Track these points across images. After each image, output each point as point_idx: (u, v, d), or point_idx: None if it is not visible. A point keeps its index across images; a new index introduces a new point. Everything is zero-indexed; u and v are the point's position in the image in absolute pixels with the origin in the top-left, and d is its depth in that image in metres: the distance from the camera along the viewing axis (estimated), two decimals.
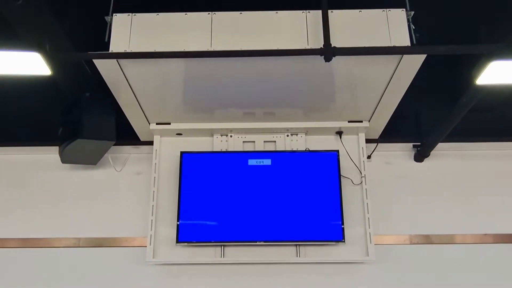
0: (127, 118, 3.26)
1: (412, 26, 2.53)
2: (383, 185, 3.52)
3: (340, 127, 3.37)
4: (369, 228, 3.20)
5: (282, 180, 3.27)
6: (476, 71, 2.25)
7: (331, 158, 3.30)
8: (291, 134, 3.41)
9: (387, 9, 2.55)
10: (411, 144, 3.59)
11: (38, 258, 3.41)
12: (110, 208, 3.51)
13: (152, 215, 3.28)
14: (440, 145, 3.46)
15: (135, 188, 3.55)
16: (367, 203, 3.26)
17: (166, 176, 3.42)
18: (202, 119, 3.31)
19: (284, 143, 3.40)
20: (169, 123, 3.34)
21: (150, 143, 3.53)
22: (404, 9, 2.54)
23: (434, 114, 3.43)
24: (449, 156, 3.60)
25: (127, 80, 2.76)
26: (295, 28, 2.53)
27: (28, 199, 3.56)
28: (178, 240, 3.17)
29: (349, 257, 3.18)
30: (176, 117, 3.28)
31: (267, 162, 3.30)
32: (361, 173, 3.35)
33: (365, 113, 3.22)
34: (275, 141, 3.42)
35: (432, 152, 3.54)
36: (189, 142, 3.48)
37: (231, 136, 3.40)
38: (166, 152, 3.46)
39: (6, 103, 3.47)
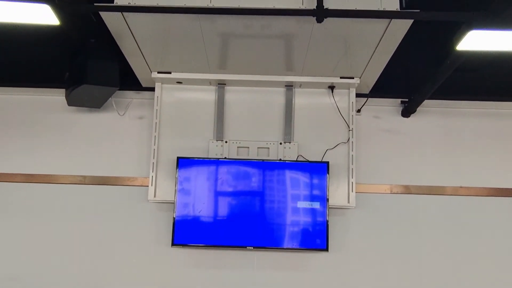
0: (130, 65, 3.43)
1: None
2: (370, 137, 3.75)
3: (332, 82, 3.54)
4: (352, 178, 3.47)
5: (273, 188, 3.42)
6: (456, 38, 2.41)
7: (321, 169, 3.44)
8: (284, 142, 3.55)
9: None
10: (399, 100, 3.79)
11: (43, 192, 3.68)
12: (113, 149, 3.75)
13: (153, 158, 3.53)
14: (426, 102, 3.64)
15: (137, 132, 3.78)
16: (352, 155, 3.50)
17: (167, 122, 3.63)
18: (200, 69, 3.48)
19: (277, 151, 3.54)
20: (170, 72, 3.51)
21: (152, 89, 3.71)
22: None
23: (422, 72, 3.59)
24: (434, 112, 3.80)
25: (130, 31, 2.90)
26: None
27: (35, 137, 3.78)
28: (174, 243, 3.38)
29: (332, 203, 3.46)
30: (177, 66, 3.45)
31: (259, 171, 3.44)
32: (349, 126, 3.57)
33: (357, 70, 3.38)
34: (268, 148, 3.56)
35: (418, 108, 3.74)
36: (189, 90, 3.66)
37: (226, 142, 3.55)
38: (167, 99, 3.66)
39: (16, 48, 3.60)
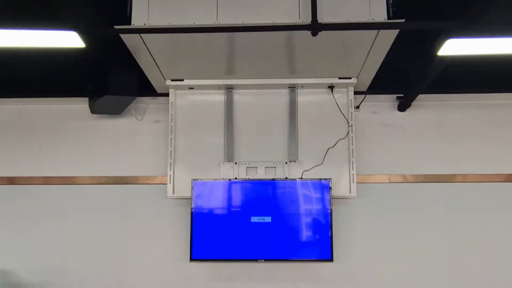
0: (146, 75, 3.75)
1: (390, 1, 2.93)
2: (369, 131, 4.05)
3: (331, 83, 3.84)
4: (353, 170, 3.78)
5: (280, 204, 3.71)
6: (437, 45, 2.69)
7: (325, 186, 3.70)
8: (290, 161, 3.83)
9: None
10: (395, 96, 4.07)
11: (70, 193, 4.05)
12: (133, 151, 4.10)
13: (170, 158, 3.87)
14: (420, 96, 3.91)
15: (154, 134, 4.11)
16: (352, 149, 3.80)
17: (181, 124, 3.96)
18: (210, 76, 3.79)
19: (283, 169, 3.84)
20: (182, 80, 3.83)
21: (166, 94, 4.04)
22: None
23: (416, 69, 3.84)
24: (428, 106, 4.07)
25: (146, 46, 3.22)
26: (289, 2, 2.94)
27: (60, 143, 4.14)
28: (192, 258, 3.67)
29: (335, 193, 3.77)
30: (188, 74, 3.76)
31: (269, 190, 3.73)
32: (348, 122, 3.87)
33: (353, 70, 3.67)
34: (275, 167, 3.85)
35: (413, 103, 4.02)
36: (200, 95, 3.99)
37: (235, 163, 3.84)
38: (181, 103, 3.98)
39: (42, 62, 3.95)
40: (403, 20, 2.78)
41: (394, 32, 2.94)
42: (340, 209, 3.86)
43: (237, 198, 3.75)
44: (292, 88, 3.93)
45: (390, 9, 2.92)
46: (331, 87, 3.90)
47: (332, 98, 3.92)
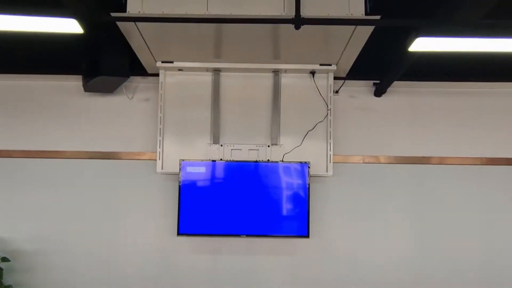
0: (138, 56, 3.94)
1: None
2: (347, 114, 4.34)
3: (313, 68, 4.09)
4: (330, 151, 4.08)
5: (263, 186, 3.99)
6: (408, 41, 2.95)
7: (303, 168, 4.00)
8: (272, 144, 4.10)
9: None
10: (372, 82, 4.35)
11: (63, 166, 4.27)
12: (124, 128, 4.32)
13: (159, 136, 4.11)
14: (395, 83, 4.19)
15: (144, 112, 4.33)
16: (330, 131, 4.09)
17: (170, 103, 4.18)
18: (199, 59, 4.00)
19: (265, 152, 4.11)
20: (172, 62, 4.04)
21: (156, 75, 4.24)
22: None
23: (392, 56, 4.09)
24: (402, 92, 4.36)
25: (139, 31, 3.41)
26: None
27: (53, 118, 4.33)
28: (179, 233, 3.95)
29: (313, 172, 4.07)
30: (178, 56, 3.97)
31: (251, 171, 4.00)
32: (327, 106, 4.14)
33: (333, 58, 3.92)
34: (258, 150, 4.12)
35: (388, 89, 4.30)
36: (189, 75, 4.20)
37: (221, 146, 4.10)
38: (170, 83, 4.19)
39: (37, 40, 4.07)
40: (378, 17, 3.02)
41: (371, 27, 3.19)
42: (317, 186, 4.18)
43: (222, 178, 4.03)
44: (276, 72, 4.17)
45: (368, 5, 3.16)
46: (313, 72, 4.16)
47: (313, 83, 4.18)
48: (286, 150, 4.12)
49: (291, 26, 2.97)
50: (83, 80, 3.95)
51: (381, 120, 4.35)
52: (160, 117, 4.14)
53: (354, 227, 4.23)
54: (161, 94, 4.17)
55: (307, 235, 3.98)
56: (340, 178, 4.23)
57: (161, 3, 3.16)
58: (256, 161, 4.05)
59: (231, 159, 4.09)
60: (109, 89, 4.16)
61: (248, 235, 4.01)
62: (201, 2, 3.15)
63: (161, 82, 4.17)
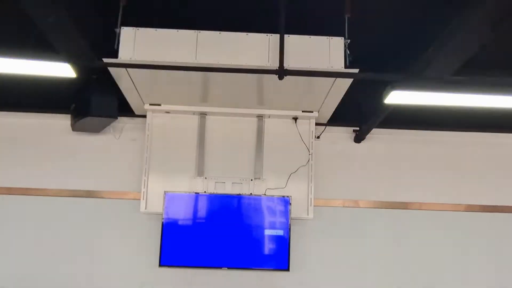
0: (126, 98, 4.07)
1: (347, 51, 3.37)
2: (328, 159, 4.48)
3: (295, 115, 4.26)
4: (311, 194, 4.19)
5: (245, 218, 4.09)
6: (384, 94, 3.14)
7: (285, 202, 4.11)
8: (255, 178, 4.23)
9: (330, 37, 3.38)
10: (352, 129, 4.53)
11: (47, 204, 4.30)
12: (109, 167, 4.39)
13: (144, 176, 4.19)
14: (374, 130, 4.38)
15: (130, 152, 4.42)
16: (311, 175, 4.22)
17: (156, 145, 4.28)
18: (186, 102, 4.15)
19: (249, 186, 4.23)
20: (160, 104, 4.17)
21: (143, 116, 4.35)
22: (343, 37, 3.37)
23: (371, 105, 4.29)
24: (380, 139, 4.55)
25: (129, 75, 3.56)
26: (260, 48, 3.34)
27: (39, 156, 4.40)
28: (161, 264, 4.00)
29: (294, 215, 4.17)
30: (165, 99, 4.11)
31: (234, 203, 4.12)
32: (309, 151, 4.28)
33: (315, 105, 4.10)
34: (241, 183, 4.25)
35: (367, 136, 4.49)
36: (175, 118, 4.32)
37: (205, 178, 4.22)
38: (157, 124, 4.31)
39: (28, 78, 4.20)
40: (357, 71, 3.22)
41: (349, 80, 3.38)
42: (297, 229, 4.26)
43: (205, 210, 4.10)
44: (260, 117, 4.33)
45: (347, 58, 3.36)
46: (295, 118, 4.32)
47: (295, 128, 4.33)
48: (268, 186, 4.22)
49: (275, 76, 3.14)
50: (71, 119, 4.05)
51: (361, 165, 4.50)
52: (146, 157, 4.23)
53: (334, 270, 4.29)
54: (148, 135, 4.27)
55: (287, 269, 4.02)
56: (321, 221, 4.32)
57: (151, 51, 3.32)
58: (239, 194, 4.13)
59: (215, 192, 4.18)
60: (97, 129, 4.26)
61: (229, 268, 4.05)
62: (190, 51, 3.32)
63: (148, 124, 4.28)
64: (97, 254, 4.24)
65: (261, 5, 3.30)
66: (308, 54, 3.35)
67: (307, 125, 4.35)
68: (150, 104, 4.17)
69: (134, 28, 3.35)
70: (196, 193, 4.13)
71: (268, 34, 3.37)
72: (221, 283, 4.22)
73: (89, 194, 4.34)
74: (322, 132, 4.47)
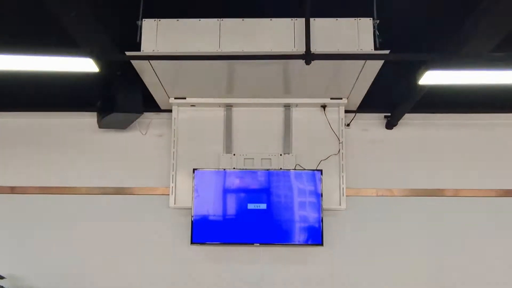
0: (151, 92, 4.02)
1: (377, 32, 3.22)
2: (359, 147, 4.33)
3: (324, 102, 4.13)
4: (343, 184, 4.05)
5: (276, 194, 4.00)
6: (418, 74, 2.98)
7: (316, 176, 3.99)
8: (284, 153, 4.14)
9: (358, 18, 3.23)
10: (383, 115, 4.37)
11: (79, 202, 4.30)
12: (137, 164, 4.35)
13: (172, 171, 4.14)
14: (406, 115, 4.21)
15: (157, 148, 4.37)
16: (342, 164, 4.09)
17: (183, 139, 4.23)
18: (211, 94, 4.07)
19: (278, 161, 4.14)
20: (185, 98, 4.11)
21: (169, 110, 4.31)
22: (372, 18, 3.23)
23: (402, 89, 4.12)
24: (413, 125, 4.36)
25: (153, 68, 3.50)
26: (285, 33, 3.23)
27: (68, 155, 4.39)
28: (192, 241, 3.95)
29: (325, 206, 4.04)
30: (191, 92, 4.04)
31: (264, 178, 4.03)
32: (339, 140, 4.15)
33: (344, 92, 3.96)
34: (270, 159, 4.16)
35: (400, 121, 4.31)
36: (201, 111, 4.26)
37: (234, 155, 4.15)
38: (183, 119, 4.25)
39: (54, 78, 4.20)
40: (387, 52, 3.07)
41: (380, 63, 3.23)
42: (330, 220, 4.13)
43: (235, 187, 4.03)
44: (287, 106, 4.22)
45: (377, 40, 3.21)
46: (324, 106, 4.19)
47: (324, 117, 4.21)
48: (298, 161, 4.14)
49: (302, 61, 3.03)
50: (97, 117, 4.03)
51: (394, 152, 4.33)
52: (173, 152, 4.18)
53: (369, 262, 4.15)
54: (174, 129, 4.22)
55: (321, 243, 3.92)
56: (353, 211, 4.19)
57: (174, 42, 3.25)
58: (268, 169, 4.05)
59: (244, 168, 4.13)
60: (123, 126, 4.23)
61: (261, 244, 3.99)
62: (213, 40, 3.24)
63: (174, 118, 4.23)
64: (127, 253, 4.22)
65: None
66: (336, 37, 3.21)
67: (336, 113, 4.21)
68: (175, 98, 4.12)
69: (156, 19, 3.28)
70: (224, 169, 4.08)
71: (293, 19, 3.26)
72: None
73: (118, 191, 4.32)
74: (352, 119, 4.32)
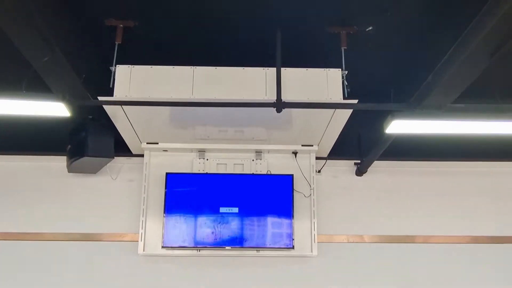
0: (122, 137, 4.01)
1: (345, 83, 3.34)
2: (329, 194, 4.38)
3: (295, 149, 4.19)
4: (314, 230, 4.06)
5: (248, 198, 4.05)
6: (385, 123, 3.09)
7: (287, 180, 4.11)
8: (256, 159, 4.20)
9: (327, 69, 3.35)
10: (353, 162, 4.45)
11: (42, 249, 4.16)
12: (107, 209, 4.28)
13: (142, 216, 4.07)
14: (375, 162, 4.29)
15: (128, 193, 4.32)
16: (313, 210, 4.11)
17: (154, 185, 4.19)
18: (184, 140, 4.08)
19: (250, 166, 4.19)
20: (157, 143, 4.11)
21: (141, 155, 4.30)
22: (340, 69, 3.35)
23: (371, 138, 4.25)
24: (382, 171, 4.46)
25: (125, 114, 3.51)
26: (257, 82, 3.31)
27: (35, 199, 4.30)
28: (163, 245, 3.94)
29: (298, 253, 4.03)
30: (163, 138, 4.05)
31: (236, 183, 4.09)
32: (310, 186, 4.19)
33: (314, 139, 4.04)
34: (243, 164, 4.21)
35: (369, 168, 4.40)
36: (173, 156, 4.26)
37: (207, 160, 4.19)
38: (154, 165, 4.23)
39: (22, 120, 4.16)
40: (356, 101, 3.18)
41: (349, 112, 3.33)
42: (302, 267, 4.10)
43: (207, 190, 4.05)
44: (259, 152, 4.26)
45: (346, 90, 3.32)
46: (295, 152, 4.25)
47: (295, 163, 4.25)
48: (269, 168, 4.23)
49: (273, 110, 3.10)
50: (67, 161, 3.96)
51: (364, 199, 4.39)
52: (144, 197, 4.13)
53: None
54: (146, 174, 4.19)
55: (292, 247, 3.92)
56: (325, 258, 4.17)
57: (147, 88, 3.27)
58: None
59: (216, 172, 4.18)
60: (93, 170, 4.17)
61: (233, 247, 3.96)
62: (186, 87, 3.28)
63: (146, 163, 4.21)
64: None
65: (257, 39, 3.30)
66: (306, 86, 3.31)
67: (307, 159, 4.27)
68: (147, 143, 4.11)
69: (130, 66, 3.32)
70: (197, 173, 4.14)
71: (265, 68, 3.35)
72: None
73: (85, 237, 4.20)
74: (323, 166, 4.39)
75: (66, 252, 4.16)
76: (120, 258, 4.15)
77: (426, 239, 4.31)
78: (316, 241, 4.05)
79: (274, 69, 3.28)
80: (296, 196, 4.15)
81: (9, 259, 4.14)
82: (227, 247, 3.96)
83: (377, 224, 4.31)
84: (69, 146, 3.94)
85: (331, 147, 4.21)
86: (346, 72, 3.35)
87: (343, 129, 3.80)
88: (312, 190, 4.18)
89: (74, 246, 4.18)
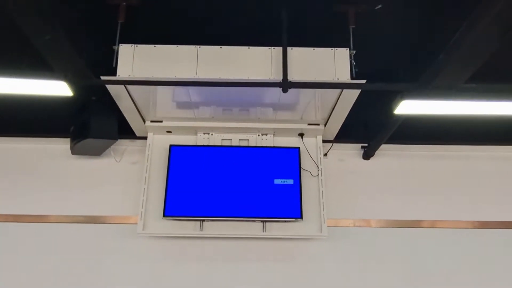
0: (126, 118, 3.95)
1: (353, 62, 3.26)
2: (336, 178, 4.31)
3: (301, 129, 4.09)
4: (323, 210, 3.96)
5: (253, 169, 3.98)
6: (393, 104, 3.01)
7: (294, 153, 4.04)
8: (262, 134, 4.13)
9: (335, 48, 3.27)
10: (360, 145, 4.38)
11: (44, 231, 4.12)
12: (110, 192, 4.23)
13: (143, 196, 3.99)
14: (383, 146, 4.23)
15: (131, 175, 4.27)
16: (322, 190, 4.02)
17: (156, 166, 4.10)
18: (188, 119, 4.02)
19: (256, 142, 4.12)
20: (161, 121, 4.04)
21: (144, 138, 4.23)
22: (348, 48, 3.27)
23: (379, 120, 4.16)
24: (390, 155, 4.39)
25: (129, 93, 3.46)
26: (262, 62, 3.24)
27: (39, 182, 4.25)
28: (165, 215, 3.87)
29: (306, 233, 3.97)
30: (167, 116, 3.97)
31: (241, 155, 4.01)
32: (318, 167, 4.12)
33: (321, 119, 3.96)
34: (248, 140, 4.14)
35: (376, 152, 4.33)
36: (177, 138, 4.20)
37: (211, 135, 4.13)
38: (157, 146, 4.17)
39: (26, 102, 4.12)
40: (364, 81, 3.10)
41: (356, 92, 3.26)
42: (308, 250, 4.06)
43: (212, 162, 3.99)
44: (264, 134, 4.18)
45: (354, 70, 3.24)
46: (301, 134, 4.17)
47: (302, 145, 4.18)
48: (276, 143, 4.15)
49: (279, 89, 3.03)
50: (70, 142, 3.92)
51: (371, 183, 4.33)
52: (146, 177, 4.07)
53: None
54: (148, 155, 4.13)
55: (300, 217, 3.85)
56: (332, 242, 4.12)
57: (150, 68, 3.22)
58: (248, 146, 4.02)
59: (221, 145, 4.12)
60: (97, 152, 4.13)
61: (238, 217, 3.87)
62: (190, 66, 3.22)
63: (149, 144, 4.15)
64: (98, 283, 4.04)
65: (263, 19, 3.21)
66: (313, 66, 3.23)
67: (314, 142, 4.19)
68: (151, 121, 4.04)
69: (133, 45, 3.26)
70: (202, 146, 4.06)
71: (270, 47, 3.27)
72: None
73: (89, 219, 4.17)
74: (330, 149, 4.32)
75: (69, 234, 4.13)
76: (123, 241, 4.12)
77: (433, 224, 4.25)
78: (325, 221, 3.96)
79: (280, 49, 3.21)
80: (304, 175, 4.07)
81: (11, 241, 4.12)
82: (231, 217, 3.87)
83: (384, 209, 4.25)
84: (72, 128, 3.89)
85: (338, 130, 4.14)
86: (354, 51, 3.27)
87: (350, 112, 3.73)
88: (319, 171, 4.10)
89: (78, 228, 4.15)
